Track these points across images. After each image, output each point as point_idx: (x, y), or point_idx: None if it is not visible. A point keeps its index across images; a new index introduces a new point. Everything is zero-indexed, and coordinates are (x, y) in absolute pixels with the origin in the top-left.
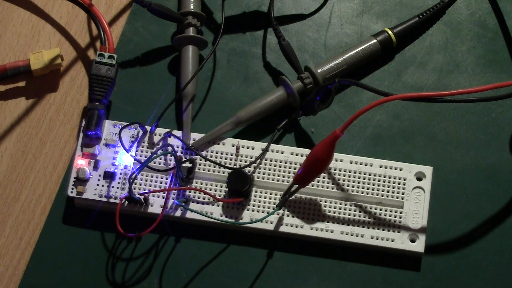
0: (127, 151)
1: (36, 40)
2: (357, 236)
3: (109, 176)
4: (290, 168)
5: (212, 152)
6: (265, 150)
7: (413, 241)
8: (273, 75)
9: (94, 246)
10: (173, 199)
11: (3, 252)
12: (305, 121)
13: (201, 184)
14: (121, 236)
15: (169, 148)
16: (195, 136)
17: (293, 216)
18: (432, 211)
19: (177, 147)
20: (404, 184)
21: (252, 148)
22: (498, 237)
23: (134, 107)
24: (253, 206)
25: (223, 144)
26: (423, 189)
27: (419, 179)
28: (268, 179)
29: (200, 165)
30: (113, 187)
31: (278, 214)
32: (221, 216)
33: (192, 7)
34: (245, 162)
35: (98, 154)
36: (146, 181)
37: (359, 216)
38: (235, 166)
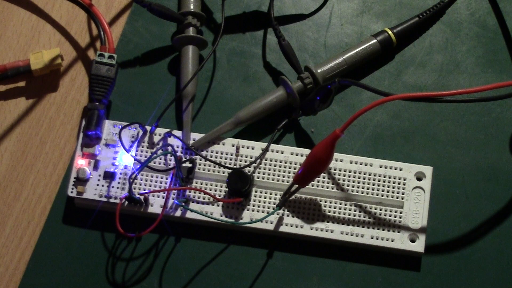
0: (127, 151)
1: (36, 40)
2: (357, 236)
3: (109, 176)
4: (290, 168)
5: (212, 152)
6: (265, 150)
7: (413, 241)
8: (273, 75)
9: (94, 246)
10: (173, 199)
11: (3, 252)
12: (305, 121)
13: (201, 184)
14: (121, 236)
15: (169, 148)
16: (195, 136)
17: (293, 216)
18: (432, 211)
19: (177, 147)
20: (404, 184)
21: (252, 148)
22: (498, 237)
23: (134, 107)
24: (253, 206)
25: (223, 144)
26: (423, 189)
27: (419, 179)
28: (268, 179)
29: (200, 165)
30: (113, 187)
31: (278, 214)
32: (221, 216)
33: (192, 7)
34: (245, 162)
35: (98, 154)
36: (146, 181)
37: (359, 216)
38: (235, 166)
